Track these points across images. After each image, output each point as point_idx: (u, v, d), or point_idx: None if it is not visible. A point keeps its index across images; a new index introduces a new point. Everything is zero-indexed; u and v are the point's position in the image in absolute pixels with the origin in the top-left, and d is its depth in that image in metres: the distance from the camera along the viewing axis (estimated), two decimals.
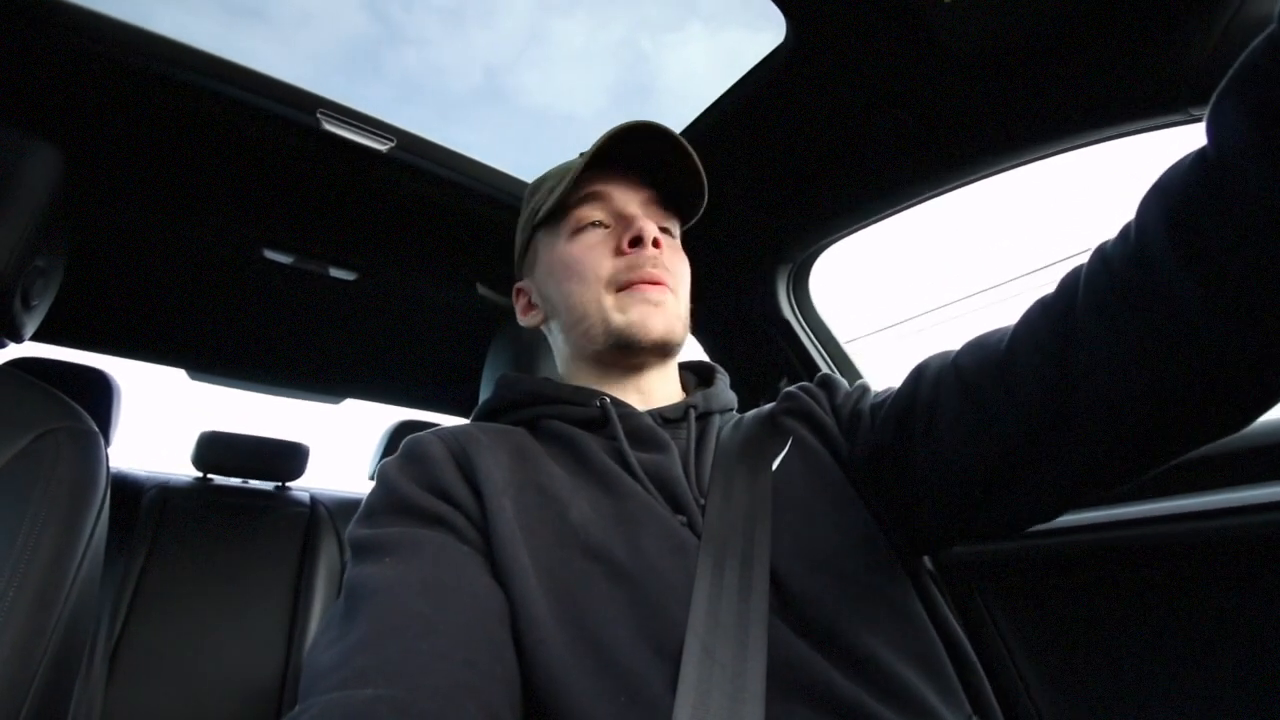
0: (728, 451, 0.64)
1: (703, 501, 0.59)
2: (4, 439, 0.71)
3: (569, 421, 0.65)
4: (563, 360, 0.75)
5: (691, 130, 1.03)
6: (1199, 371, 0.40)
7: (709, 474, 0.62)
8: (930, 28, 0.76)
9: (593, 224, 0.69)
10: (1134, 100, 0.75)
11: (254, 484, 1.85)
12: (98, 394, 1.36)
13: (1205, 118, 0.37)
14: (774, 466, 0.62)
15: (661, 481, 0.59)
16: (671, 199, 0.73)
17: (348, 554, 0.53)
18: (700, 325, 1.44)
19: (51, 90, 0.92)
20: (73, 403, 0.80)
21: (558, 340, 0.74)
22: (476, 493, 0.55)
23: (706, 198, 0.71)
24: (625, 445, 0.61)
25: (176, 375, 1.84)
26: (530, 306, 0.77)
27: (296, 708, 0.39)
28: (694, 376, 0.79)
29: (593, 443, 0.62)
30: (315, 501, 1.80)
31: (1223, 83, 0.36)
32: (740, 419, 0.71)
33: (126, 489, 1.60)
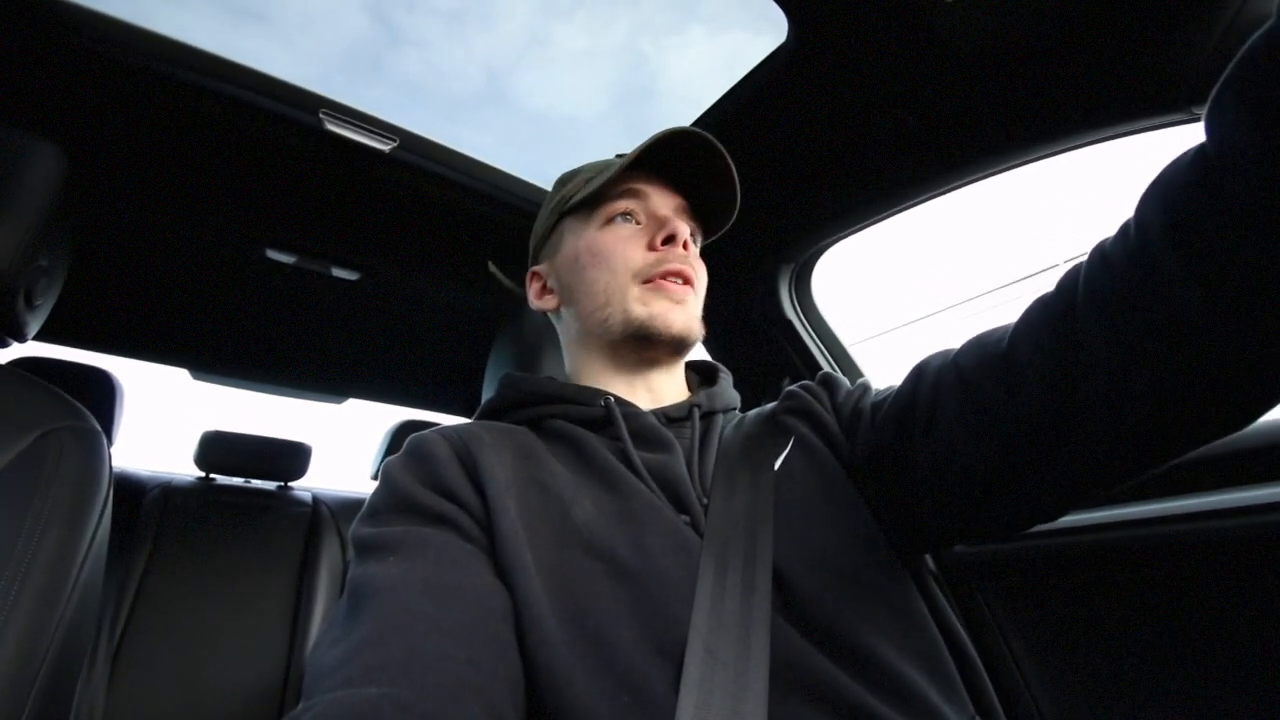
0: (730, 451, 0.64)
1: (705, 501, 0.59)
2: (7, 438, 0.71)
3: (573, 421, 0.65)
4: (572, 350, 0.75)
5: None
6: (1198, 370, 0.40)
7: (712, 473, 0.62)
8: (932, 27, 0.76)
9: (625, 215, 0.70)
10: (1135, 99, 0.75)
11: (256, 483, 1.85)
12: (101, 394, 1.37)
13: (1204, 114, 0.37)
14: (776, 466, 0.62)
15: (665, 481, 0.59)
16: (699, 210, 0.74)
17: (350, 553, 0.54)
18: (703, 324, 1.44)
19: (54, 90, 0.92)
20: (76, 402, 0.80)
21: (570, 329, 0.74)
22: (480, 492, 0.55)
23: (736, 212, 0.73)
24: (629, 445, 0.61)
25: (179, 375, 1.85)
26: (545, 291, 0.77)
27: (300, 705, 0.39)
28: (697, 376, 0.79)
29: (596, 442, 0.62)
30: (317, 501, 1.81)
31: (1221, 79, 0.36)
32: (742, 418, 0.71)
33: (129, 488, 1.60)
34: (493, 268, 0.86)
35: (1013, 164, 0.91)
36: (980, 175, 0.96)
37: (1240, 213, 0.36)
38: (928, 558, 1.07)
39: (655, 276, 0.66)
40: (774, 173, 1.08)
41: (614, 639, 0.47)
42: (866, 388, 0.70)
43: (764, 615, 0.49)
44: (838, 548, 0.56)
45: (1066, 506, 0.52)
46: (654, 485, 0.58)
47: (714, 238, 0.77)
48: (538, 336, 1.12)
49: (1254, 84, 0.34)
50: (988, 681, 0.57)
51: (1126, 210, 0.45)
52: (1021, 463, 0.50)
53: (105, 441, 0.80)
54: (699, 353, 1.47)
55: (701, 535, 0.55)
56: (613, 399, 0.65)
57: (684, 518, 0.57)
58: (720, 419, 0.70)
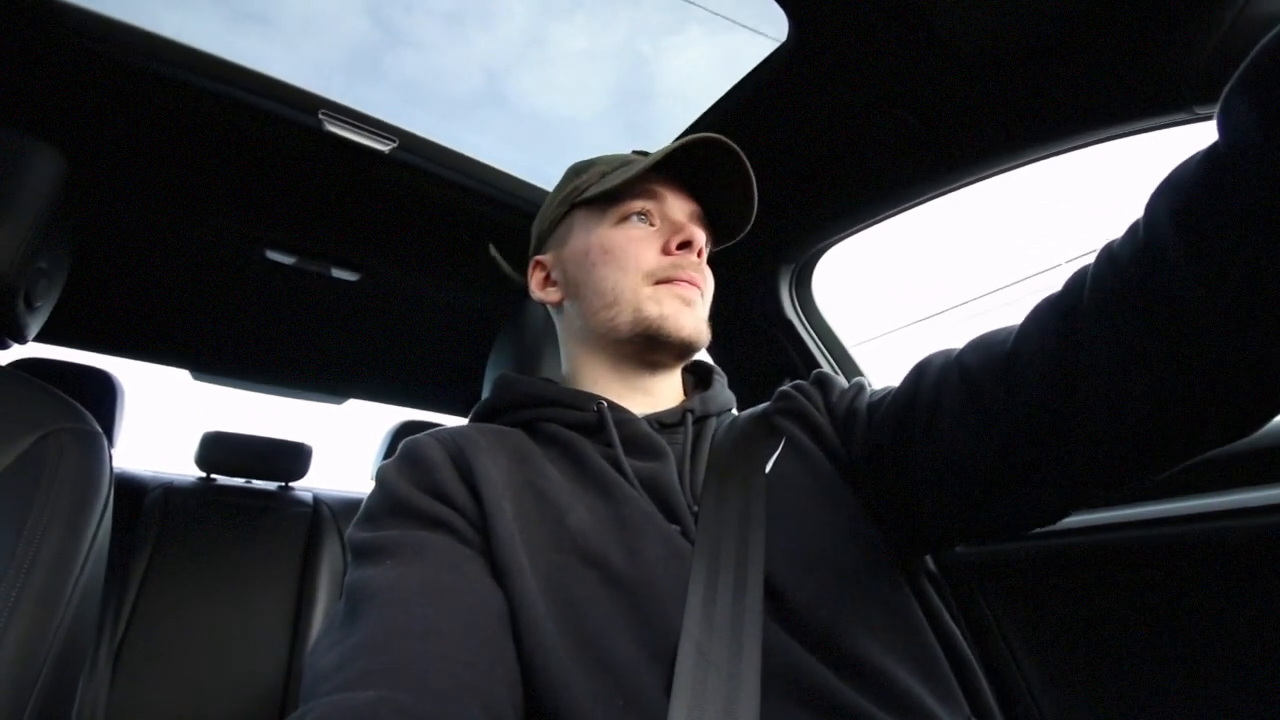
0: (721, 455, 0.64)
1: (696, 508, 0.58)
2: (7, 440, 0.71)
3: (566, 425, 0.65)
4: (571, 348, 0.74)
5: (694, 129, 1.02)
6: (1198, 372, 0.40)
7: (703, 479, 0.62)
8: (933, 26, 0.75)
9: (640, 215, 0.69)
10: (1137, 99, 0.75)
11: (257, 484, 1.86)
12: (101, 395, 1.37)
13: (1216, 113, 0.37)
14: (767, 469, 0.61)
15: (656, 490, 0.59)
16: (712, 218, 0.74)
17: (350, 557, 0.53)
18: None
19: (53, 92, 0.92)
20: (76, 403, 0.80)
21: (573, 325, 0.73)
22: (475, 495, 0.55)
23: (750, 225, 0.73)
24: (620, 454, 0.61)
25: (180, 376, 1.85)
26: (549, 282, 0.75)
27: (298, 710, 0.39)
28: (691, 378, 0.79)
29: (590, 448, 0.62)
30: (318, 501, 1.81)
31: (1234, 78, 0.35)
32: (735, 419, 0.71)
33: (130, 489, 1.61)
34: (494, 251, 0.85)
35: (1014, 164, 0.91)
36: (982, 175, 0.95)
37: (1249, 213, 0.35)
38: (928, 559, 1.07)
39: (667, 279, 0.66)
40: (774, 173, 1.07)
41: (609, 644, 0.47)
42: (862, 387, 0.69)
43: (756, 619, 0.49)
44: (830, 550, 0.56)
45: (1067, 508, 0.52)
46: (645, 494, 0.58)
47: (721, 248, 0.76)
48: (538, 337, 1.12)
49: (1266, 83, 0.33)
50: (984, 684, 0.57)
51: (1129, 210, 0.45)
52: (1022, 463, 0.49)
53: (106, 443, 0.80)
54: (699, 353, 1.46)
55: (693, 542, 0.55)
56: (605, 404, 0.64)
57: (675, 527, 0.56)
58: (713, 423, 0.69)
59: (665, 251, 0.67)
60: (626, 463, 0.60)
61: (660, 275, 0.66)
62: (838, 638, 0.50)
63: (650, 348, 0.67)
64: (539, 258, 0.77)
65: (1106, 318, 0.43)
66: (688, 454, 0.64)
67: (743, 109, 0.96)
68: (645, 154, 0.72)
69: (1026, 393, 0.48)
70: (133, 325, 1.63)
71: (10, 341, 0.83)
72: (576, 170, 0.76)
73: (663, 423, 0.66)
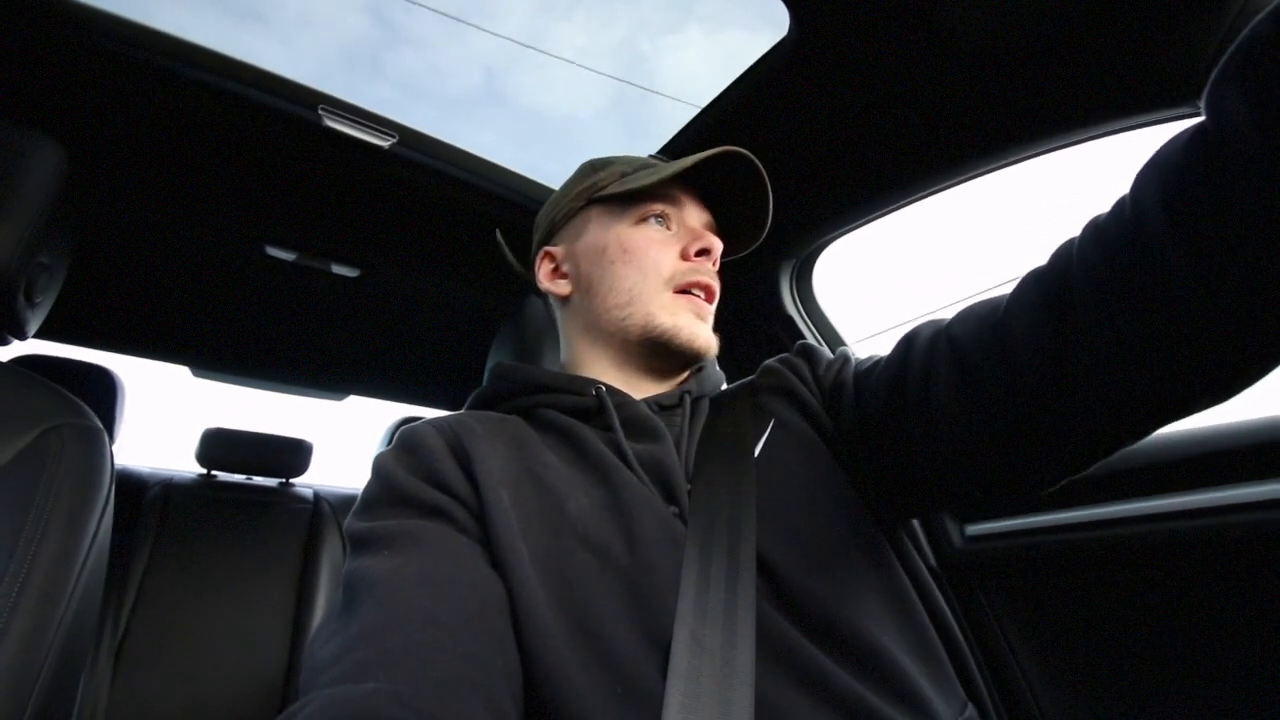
0: (710, 438, 0.64)
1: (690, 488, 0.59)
2: (8, 435, 0.71)
3: (564, 411, 0.65)
4: (576, 338, 0.73)
5: (694, 126, 1.02)
6: (1187, 347, 0.41)
7: (694, 462, 0.62)
8: (934, 21, 0.75)
9: (658, 218, 0.69)
10: (1140, 94, 0.75)
11: (258, 480, 1.86)
12: (102, 391, 1.37)
13: (1205, 93, 0.38)
14: (756, 451, 0.62)
15: (656, 471, 0.59)
16: (731, 232, 0.75)
17: (348, 547, 0.53)
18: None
19: (55, 87, 0.92)
20: (77, 399, 0.80)
21: (579, 319, 0.72)
22: (473, 483, 0.55)
23: (761, 240, 0.74)
24: (620, 436, 0.61)
25: (180, 373, 1.85)
26: (558, 274, 0.74)
27: (297, 701, 0.39)
28: None
29: (589, 433, 0.62)
30: (319, 497, 1.81)
31: (1224, 59, 0.36)
32: (720, 397, 0.71)
33: (130, 485, 1.61)
34: (499, 237, 0.85)
35: (1016, 159, 0.91)
36: (983, 170, 0.95)
37: (1234, 189, 0.36)
38: (927, 552, 1.07)
39: (684, 286, 0.66)
40: (775, 168, 1.06)
41: (607, 631, 0.47)
42: (847, 358, 0.69)
43: (749, 601, 0.49)
44: (822, 530, 0.56)
45: (1059, 475, 0.52)
46: (645, 476, 0.58)
47: (728, 259, 0.76)
48: (538, 333, 1.12)
49: (1255, 67, 0.34)
50: (975, 667, 0.57)
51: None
52: (1014, 431, 0.50)
53: (106, 439, 0.80)
54: None
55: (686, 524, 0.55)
56: (604, 388, 0.64)
57: (673, 508, 0.57)
58: (706, 402, 0.70)
59: (684, 257, 0.68)
60: (626, 445, 0.60)
61: (678, 282, 0.67)
62: (830, 618, 0.51)
63: (658, 354, 0.67)
64: (549, 249, 0.76)
65: (1094, 294, 0.44)
66: (685, 434, 0.64)
67: (743, 105, 0.96)
68: (661, 159, 0.73)
69: (1018, 362, 0.48)
70: (133, 321, 1.62)
71: (10, 338, 0.83)
72: (594, 167, 0.75)
73: (661, 405, 0.67)
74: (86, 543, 0.72)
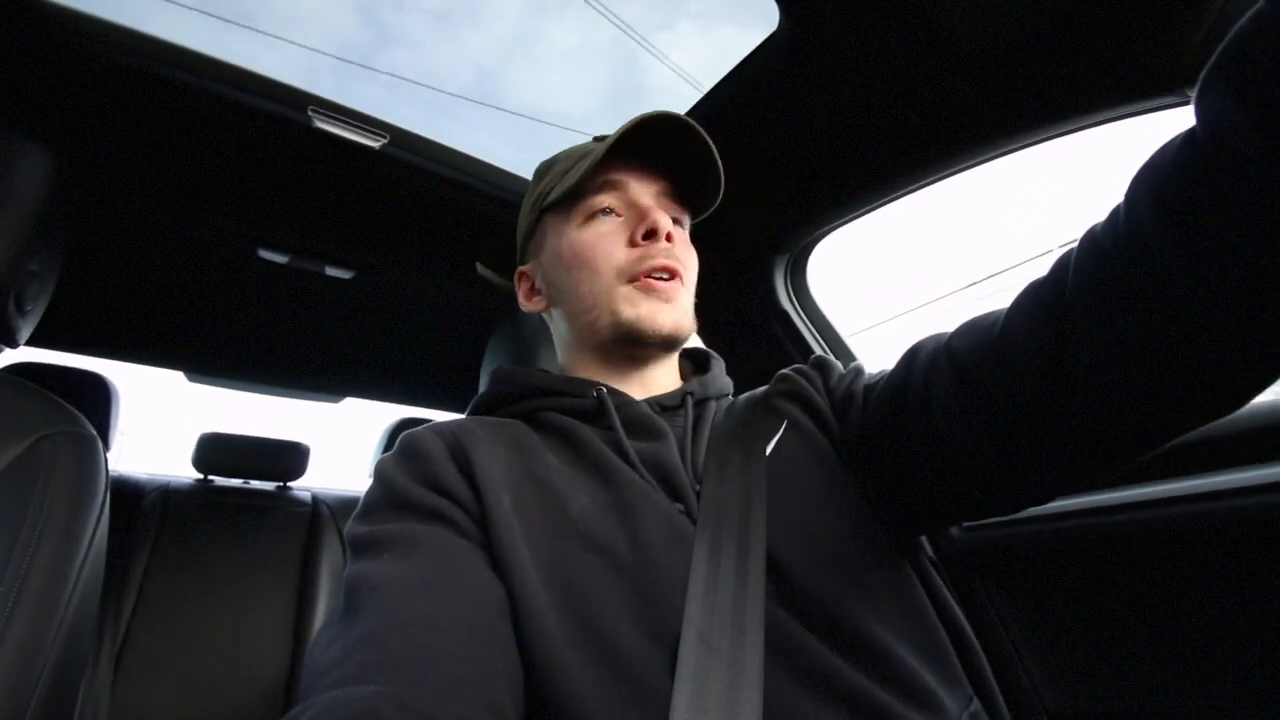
0: (721, 437, 0.64)
1: (699, 488, 0.59)
2: (2, 445, 0.71)
3: (565, 413, 0.65)
4: (564, 348, 0.74)
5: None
6: (1184, 348, 0.40)
7: (704, 460, 0.62)
8: (925, 13, 0.75)
9: (604, 211, 0.68)
10: (1129, 83, 0.75)
11: (255, 484, 1.85)
12: (96, 398, 1.36)
13: (1193, 98, 0.37)
14: (768, 450, 0.62)
15: (659, 469, 0.59)
16: (683, 191, 0.72)
17: (348, 552, 0.53)
18: (697, 314, 1.43)
19: (42, 92, 0.91)
20: (70, 407, 0.79)
21: (560, 328, 0.74)
22: (474, 487, 0.55)
23: (722, 192, 0.71)
24: (622, 435, 0.61)
25: (175, 378, 1.85)
26: (534, 292, 0.75)
27: (298, 706, 0.39)
28: (690, 363, 0.79)
29: (590, 433, 0.62)
30: (317, 501, 1.81)
31: (1210, 63, 0.36)
32: (734, 403, 0.71)
33: (127, 492, 1.60)
34: (481, 269, 0.85)
35: (1006, 149, 0.91)
36: (974, 161, 0.95)
37: (1228, 196, 0.36)
38: (925, 543, 1.08)
39: (640, 274, 0.65)
40: (767, 162, 1.07)
41: (611, 631, 0.47)
42: (859, 371, 0.69)
43: (758, 601, 0.49)
44: (831, 531, 0.56)
45: (1060, 488, 0.52)
46: (647, 474, 0.58)
47: (702, 217, 0.75)
48: (534, 332, 1.12)
49: (1242, 67, 0.34)
50: (985, 664, 0.57)
51: (1117, 196, 0.45)
52: (1014, 444, 0.50)
53: (101, 446, 0.80)
54: (693, 340, 1.47)
55: (695, 522, 0.55)
56: (605, 389, 0.65)
57: (678, 506, 0.57)
58: (713, 405, 0.70)
59: (633, 243, 0.66)
60: (628, 444, 0.60)
61: (632, 271, 0.65)
62: (839, 617, 0.51)
63: (634, 346, 0.67)
64: (522, 269, 0.77)
65: (1091, 303, 0.43)
66: (688, 434, 0.64)
67: (735, 99, 0.95)
68: (605, 138, 0.71)
69: (1018, 374, 0.48)
70: (126, 327, 1.62)
71: (2, 346, 0.82)
72: (540, 173, 0.75)
73: (663, 405, 0.67)
74: (82, 550, 0.71)
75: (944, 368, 0.54)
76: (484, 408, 0.71)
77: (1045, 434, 0.48)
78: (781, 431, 0.64)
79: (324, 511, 1.76)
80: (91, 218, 1.20)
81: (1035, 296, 0.49)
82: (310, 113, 0.96)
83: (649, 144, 0.68)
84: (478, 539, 0.52)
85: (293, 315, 1.60)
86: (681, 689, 0.43)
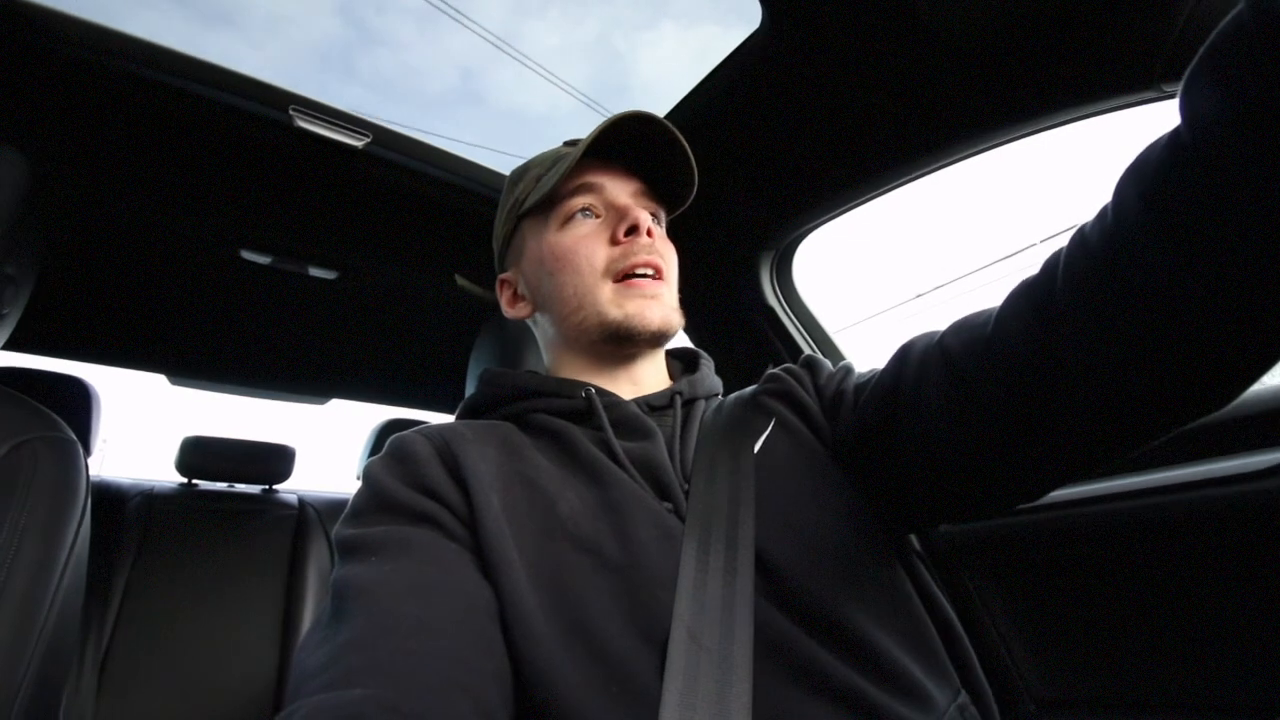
0: (710, 435, 0.64)
1: (687, 486, 0.59)
2: None
3: (555, 414, 0.65)
4: (551, 351, 0.74)
5: (670, 119, 1.02)
6: (1172, 351, 0.41)
7: (693, 458, 0.62)
8: (906, 8, 0.76)
9: (583, 211, 0.68)
10: (1107, 79, 0.76)
11: (240, 488, 1.83)
12: (76, 403, 1.34)
13: (1177, 97, 0.38)
14: (756, 448, 0.62)
15: (647, 468, 0.59)
16: (659, 188, 0.72)
17: (336, 554, 0.53)
18: (685, 312, 1.44)
19: (12, 94, 0.90)
20: (50, 412, 0.78)
21: (547, 332, 0.74)
22: (463, 489, 0.55)
23: (696, 186, 0.71)
24: (611, 435, 0.61)
25: (157, 381, 1.82)
26: (517, 298, 0.76)
27: (285, 710, 0.39)
28: (679, 363, 0.79)
29: (579, 434, 0.62)
30: (304, 503, 1.79)
31: (1193, 62, 0.36)
32: (722, 402, 0.71)
33: (110, 497, 1.58)
34: (461, 281, 0.85)
35: (988, 145, 0.92)
36: (958, 156, 0.96)
37: (1212, 193, 0.36)
38: (913, 538, 1.09)
39: (623, 273, 0.65)
40: (752, 159, 1.08)
41: (600, 631, 0.47)
42: (849, 370, 0.70)
43: (747, 598, 0.49)
44: (820, 527, 0.57)
45: (1052, 485, 0.52)
46: (636, 474, 0.58)
47: (678, 212, 0.75)
48: (520, 330, 1.12)
49: (1224, 65, 0.34)
50: (973, 657, 0.58)
51: (1101, 190, 0.46)
52: (1006, 442, 0.50)
53: (81, 451, 0.79)
54: (680, 339, 1.47)
55: (684, 520, 0.55)
56: (593, 390, 0.65)
57: (666, 505, 0.57)
58: (702, 405, 0.70)
59: (614, 241, 0.66)
60: (617, 444, 0.60)
61: (616, 269, 0.66)
62: (828, 613, 0.51)
63: (624, 344, 0.67)
64: (503, 276, 0.77)
65: (1081, 300, 0.44)
66: (677, 434, 0.64)
67: (718, 96, 0.96)
68: (577, 142, 0.71)
69: (1008, 372, 0.48)
70: (107, 330, 1.59)
71: None
72: (514, 180, 0.76)
73: (651, 405, 0.67)
74: (63, 556, 0.71)
75: (936, 366, 0.54)
76: (473, 410, 0.71)
77: (1037, 432, 0.48)
78: (769, 430, 0.64)
79: (311, 514, 1.75)
80: (71, 220, 1.18)
81: (1026, 295, 0.49)
82: (292, 112, 0.95)
83: (622, 144, 0.68)
84: (466, 542, 0.52)
85: (277, 316, 1.58)
86: (671, 686, 0.44)
